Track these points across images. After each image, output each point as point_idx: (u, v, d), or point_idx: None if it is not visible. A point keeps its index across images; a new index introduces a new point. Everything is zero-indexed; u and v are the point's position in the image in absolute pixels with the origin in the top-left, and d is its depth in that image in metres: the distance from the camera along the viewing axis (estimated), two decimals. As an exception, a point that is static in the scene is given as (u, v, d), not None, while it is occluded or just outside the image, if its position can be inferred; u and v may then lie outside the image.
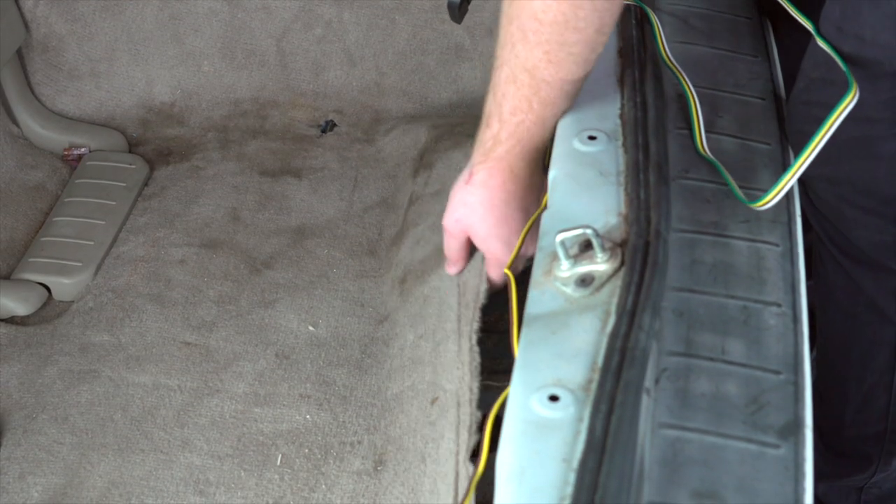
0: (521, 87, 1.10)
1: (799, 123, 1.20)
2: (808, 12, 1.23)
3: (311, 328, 1.58)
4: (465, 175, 1.16)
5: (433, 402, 1.43)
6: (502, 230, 1.17)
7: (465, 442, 1.20)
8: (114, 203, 1.78)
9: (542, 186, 1.16)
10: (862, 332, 1.36)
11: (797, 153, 1.19)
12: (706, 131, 1.18)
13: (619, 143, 1.13)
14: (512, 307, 1.12)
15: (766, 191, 1.12)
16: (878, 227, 1.24)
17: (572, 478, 0.82)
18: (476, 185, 1.15)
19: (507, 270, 1.14)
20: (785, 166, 1.16)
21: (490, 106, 1.12)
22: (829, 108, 1.16)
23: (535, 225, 1.14)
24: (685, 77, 1.23)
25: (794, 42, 1.25)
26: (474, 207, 1.16)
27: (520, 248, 1.15)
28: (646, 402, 0.89)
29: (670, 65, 1.24)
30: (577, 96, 1.13)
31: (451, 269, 1.28)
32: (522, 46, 1.07)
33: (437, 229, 1.66)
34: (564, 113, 1.14)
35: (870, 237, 1.25)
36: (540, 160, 1.16)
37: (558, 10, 1.03)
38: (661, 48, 1.25)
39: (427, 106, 2.00)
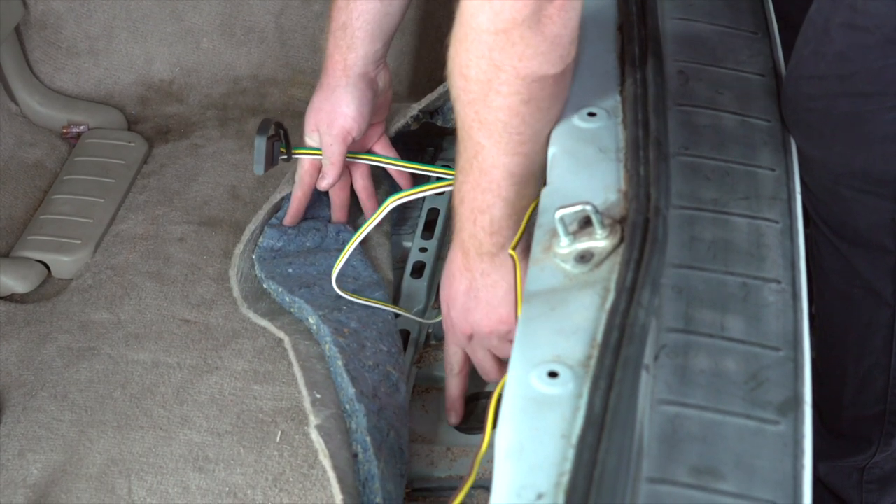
0: (466, 147, 1.11)
1: (791, 99, 1.19)
2: None
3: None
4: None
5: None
6: (453, 305, 1.22)
7: None
8: (113, 181, 1.77)
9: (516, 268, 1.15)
10: (858, 315, 1.36)
11: (791, 129, 1.19)
12: (707, 108, 1.18)
13: (619, 119, 1.13)
14: (516, 287, 1.11)
15: (767, 167, 1.12)
16: (875, 207, 1.23)
17: (571, 454, 0.82)
18: (448, 259, 1.22)
19: (511, 251, 1.13)
20: (784, 143, 1.16)
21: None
22: (820, 81, 1.16)
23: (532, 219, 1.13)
24: None
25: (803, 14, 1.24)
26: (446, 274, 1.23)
27: (524, 227, 1.14)
28: (645, 378, 0.89)
29: None
30: (527, 181, 1.12)
31: None
32: (459, 105, 1.07)
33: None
34: (509, 201, 1.12)
35: (867, 217, 1.25)
36: (502, 236, 1.15)
37: (478, 68, 1.03)
38: None
39: (425, 83, 1.99)
